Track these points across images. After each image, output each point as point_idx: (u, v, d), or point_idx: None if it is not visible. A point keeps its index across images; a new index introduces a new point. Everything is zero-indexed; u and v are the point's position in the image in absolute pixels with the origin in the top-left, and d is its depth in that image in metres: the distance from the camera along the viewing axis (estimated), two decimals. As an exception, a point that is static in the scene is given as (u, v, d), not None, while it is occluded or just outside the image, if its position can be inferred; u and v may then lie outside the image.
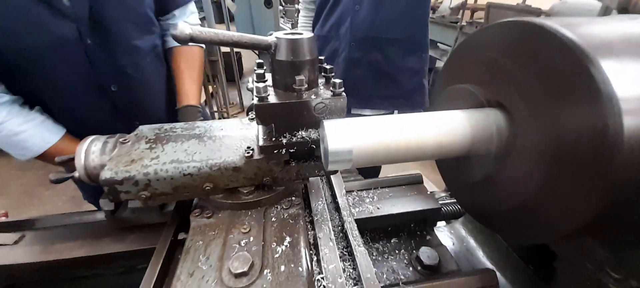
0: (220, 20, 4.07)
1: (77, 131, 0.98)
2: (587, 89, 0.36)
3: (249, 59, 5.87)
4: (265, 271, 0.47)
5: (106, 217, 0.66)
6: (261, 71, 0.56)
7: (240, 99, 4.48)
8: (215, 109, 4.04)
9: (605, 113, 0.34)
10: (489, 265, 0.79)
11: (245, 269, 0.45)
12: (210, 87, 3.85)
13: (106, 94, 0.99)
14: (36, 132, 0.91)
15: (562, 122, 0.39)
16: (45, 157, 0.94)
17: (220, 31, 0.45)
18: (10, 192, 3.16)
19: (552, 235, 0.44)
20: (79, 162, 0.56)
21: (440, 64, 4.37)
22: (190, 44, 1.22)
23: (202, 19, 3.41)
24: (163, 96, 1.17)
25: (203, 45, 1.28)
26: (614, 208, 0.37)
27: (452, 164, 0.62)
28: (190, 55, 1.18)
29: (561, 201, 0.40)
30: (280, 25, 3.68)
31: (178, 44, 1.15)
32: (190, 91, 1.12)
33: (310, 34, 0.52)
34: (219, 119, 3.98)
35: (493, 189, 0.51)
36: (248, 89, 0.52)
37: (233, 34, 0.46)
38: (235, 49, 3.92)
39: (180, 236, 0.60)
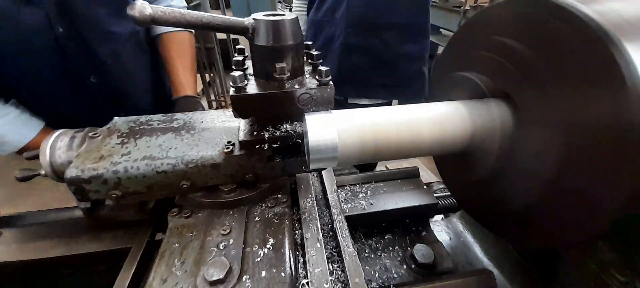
0: (216, 6, 3.92)
1: (58, 126, 0.93)
2: (608, 76, 0.31)
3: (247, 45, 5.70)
4: (244, 277, 0.43)
5: (84, 214, 0.63)
6: (240, 58, 0.50)
7: (238, 87, 4.38)
8: (213, 98, 3.96)
9: (630, 104, 0.29)
10: (486, 261, 0.76)
11: (222, 276, 0.41)
12: (207, 76, 3.76)
13: (85, 86, 0.92)
14: (12, 127, 0.86)
15: (577, 114, 0.34)
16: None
17: (187, 11, 0.39)
18: (9, 181, 3.14)
19: (562, 241, 0.40)
20: (44, 158, 0.52)
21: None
22: (179, 29, 1.11)
23: (197, 5, 3.28)
24: (148, 86, 1.10)
25: (192, 30, 1.20)
26: (637, 212, 0.32)
27: (451, 159, 0.57)
28: (180, 42, 1.10)
29: (574, 204, 0.36)
30: (278, 11, 3.55)
31: (164, 31, 1.07)
32: (185, 80, 1.05)
33: (294, 15, 0.47)
34: (217, 108, 3.91)
35: (496, 188, 0.47)
36: None
37: (202, 14, 0.41)
38: (232, 35, 3.81)
39: (159, 236, 0.57)
